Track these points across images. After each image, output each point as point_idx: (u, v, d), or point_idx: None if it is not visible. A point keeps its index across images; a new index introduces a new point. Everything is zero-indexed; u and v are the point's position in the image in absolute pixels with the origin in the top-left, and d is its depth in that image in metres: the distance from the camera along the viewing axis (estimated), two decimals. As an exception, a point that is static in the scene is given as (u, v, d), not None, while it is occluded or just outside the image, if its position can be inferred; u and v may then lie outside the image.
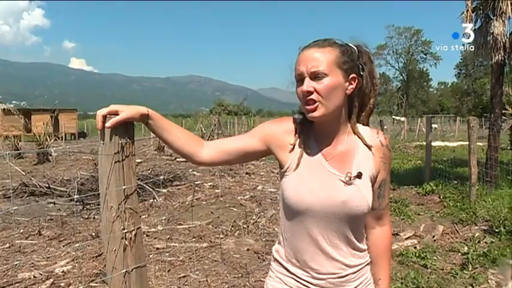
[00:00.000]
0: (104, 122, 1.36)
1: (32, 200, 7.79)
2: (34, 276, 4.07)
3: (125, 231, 1.39)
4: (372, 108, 1.39)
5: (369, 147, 1.35)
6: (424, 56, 70.76)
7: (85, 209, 6.87)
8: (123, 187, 1.39)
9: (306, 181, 1.30)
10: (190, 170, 11.27)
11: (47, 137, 15.37)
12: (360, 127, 1.37)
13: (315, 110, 1.26)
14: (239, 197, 8.02)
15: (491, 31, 8.06)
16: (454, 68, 73.26)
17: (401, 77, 72.99)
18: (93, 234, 5.43)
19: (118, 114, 1.34)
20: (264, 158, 1.29)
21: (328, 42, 1.29)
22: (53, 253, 4.83)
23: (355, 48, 1.33)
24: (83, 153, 13.54)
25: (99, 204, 6.81)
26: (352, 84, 1.30)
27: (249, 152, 1.41)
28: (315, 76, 1.24)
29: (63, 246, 5.07)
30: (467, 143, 7.43)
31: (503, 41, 8.02)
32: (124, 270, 1.40)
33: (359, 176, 1.30)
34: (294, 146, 1.35)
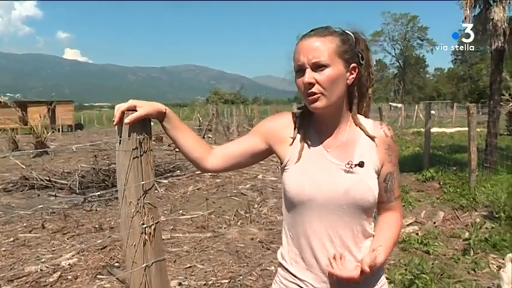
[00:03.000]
0: (120, 118, 1.35)
1: (32, 194, 7.79)
2: (41, 270, 4.09)
3: (145, 226, 1.40)
4: (370, 98, 1.36)
5: (372, 138, 1.31)
6: (421, 42, 70.66)
7: (86, 201, 6.88)
8: (142, 182, 1.39)
9: (306, 172, 1.27)
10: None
11: (45, 130, 15.32)
12: (362, 118, 1.34)
13: (316, 100, 1.23)
14: (240, 187, 8.06)
15: (491, 17, 8.04)
16: (451, 54, 73.21)
17: (397, 64, 72.91)
18: (97, 226, 5.45)
19: (136, 110, 1.34)
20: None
21: (328, 30, 1.25)
22: (58, 246, 4.85)
23: (352, 35, 1.29)
24: (84, 148, 13.47)
25: (100, 196, 6.88)
26: (352, 74, 1.27)
27: (253, 153, 1.39)
28: (317, 67, 1.21)
29: (67, 239, 5.10)
30: (464, 129, 7.47)
31: (503, 27, 8.00)
32: (144, 265, 1.41)
33: (361, 164, 1.25)
34: (293, 139, 1.33)
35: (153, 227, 1.43)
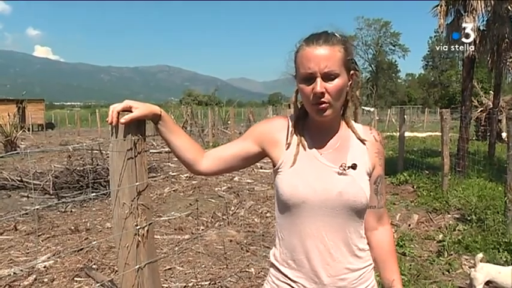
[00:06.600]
0: (113, 118, 1.33)
1: (3, 194, 7.57)
2: (14, 273, 3.97)
3: (138, 227, 1.40)
4: (359, 99, 1.40)
5: (363, 141, 1.35)
6: (393, 48, 72.18)
7: (61, 202, 6.73)
8: (136, 184, 1.39)
9: (300, 175, 1.27)
10: (165, 162, 11.22)
11: (14, 129, 14.90)
12: (352, 123, 1.38)
13: (326, 110, 1.24)
14: (216, 188, 8.03)
15: (463, 26, 8.31)
16: (422, 60, 75.08)
17: (370, 68, 74.21)
18: (72, 228, 5.33)
19: (131, 111, 1.34)
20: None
21: (336, 38, 1.25)
22: (32, 248, 4.73)
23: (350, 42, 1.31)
24: (56, 150, 13.19)
25: (75, 197, 6.74)
26: (351, 80, 1.30)
27: (245, 156, 1.40)
28: (327, 76, 1.21)
29: (42, 241, 4.97)
30: (436, 133, 7.67)
31: (474, 36, 8.28)
32: (137, 266, 1.40)
33: (353, 167, 1.27)
34: (287, 143, 1.33)
35: (146, 228, 1.42)
